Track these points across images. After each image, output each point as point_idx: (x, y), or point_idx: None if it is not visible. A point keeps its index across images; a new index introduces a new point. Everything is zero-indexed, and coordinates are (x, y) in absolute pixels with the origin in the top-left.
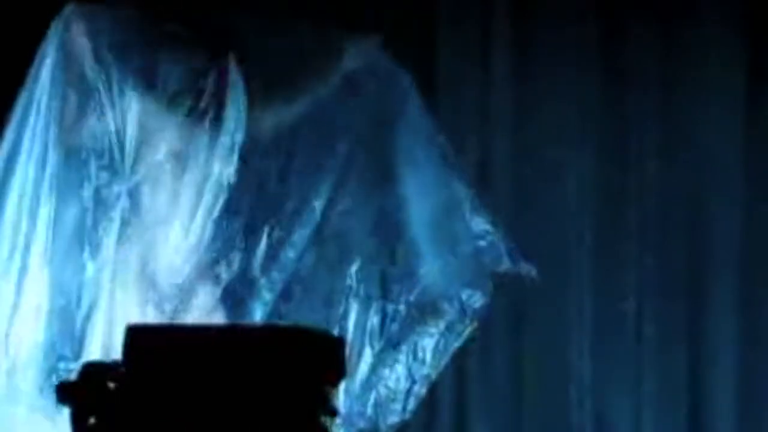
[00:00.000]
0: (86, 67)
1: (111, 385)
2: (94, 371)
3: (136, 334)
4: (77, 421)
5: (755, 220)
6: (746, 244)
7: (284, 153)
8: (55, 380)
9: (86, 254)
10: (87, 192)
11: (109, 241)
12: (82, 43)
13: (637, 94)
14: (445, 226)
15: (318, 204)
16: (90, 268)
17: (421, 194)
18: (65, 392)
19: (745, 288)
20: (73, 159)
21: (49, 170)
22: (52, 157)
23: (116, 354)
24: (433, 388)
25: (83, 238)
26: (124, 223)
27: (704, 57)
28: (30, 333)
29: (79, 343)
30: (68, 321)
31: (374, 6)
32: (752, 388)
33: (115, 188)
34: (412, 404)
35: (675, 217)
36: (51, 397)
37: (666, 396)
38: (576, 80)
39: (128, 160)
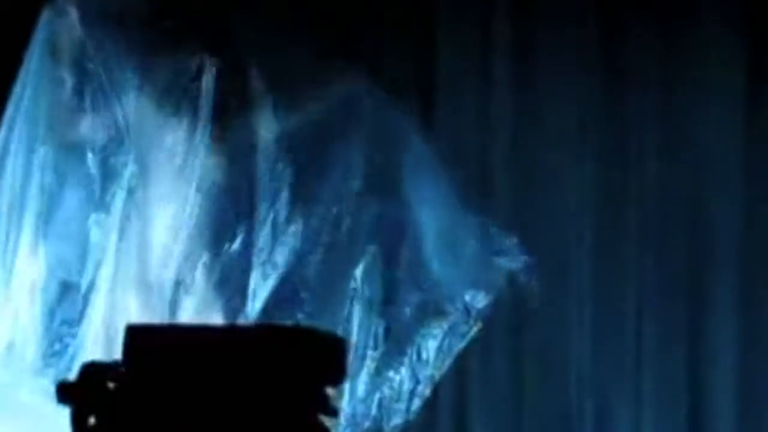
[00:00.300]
0: (82, 52)
1: (111, 385)
2: (94, 371)
3: (136, 334)
4: (77, 421)
5: (755, 220)
6: (746, 244)
7: (284, 153)
8: (58, 348)
9: (92, 220)
10: (92, 161)
11: (116, 207)
12: (76, 28)
13: (637, 94)
14: (449, 227)
15: (317, 206)
16: (96, 233)
17: (424, 198)
18: (65, 392)
19: (745, 288)
20: (75, 133)
21: (41, 151)
22: (45, 140)
23: (120, 318)
24: (434, 388)
25: (88, 206)
26: (132, 191)
27: (704, 57)
28: (26, 308)
29: (81, 309)
30: (70, 290)
31: (374, 6)
32: (752, 388)
33: (122, 157)
34: (416, 405)
35: (675, 217)
36: (54, 365)
37: (666, 396)
38: (576, 80)
39: (133, 131)
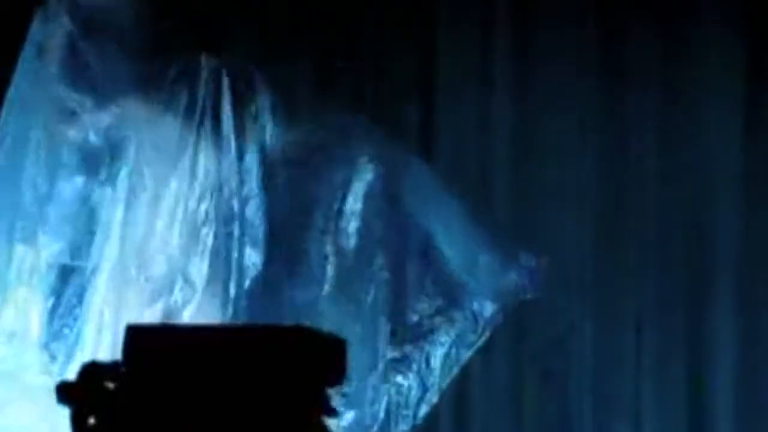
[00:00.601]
0: (77, 52)
1: (111, 385)
2: (94, 371)
3: (135, 334)
4: (77, 421)
5: (755, 222)
6: (746, 245)
7: (284, 152)
8: (64, 329)
9: (97, 194)
10: (95, 138)
11: (122, 180)
12: (71, 29)
13: (637, 94)
14: (456, 235)
15: (322, 213)
16: (101, 207)
17: (431, 206)
18: (65, 392)
19: (745, 289)
20: (72, 131)
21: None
22: (40, 141)
23: (125, 294)
24: None
25: (93, 178)
26: (138, 169)
27: (704, 57)
28: (26, 297)
29: (87, 287)
30: (77, 268)
31: (374, 6)
32: (752, 388)
33: (126, 133)
34: (423, 411)
35: (675, 218)
36: (61, 344)
37: (666, 396)
38: (576, 80)
39: (130, 130)
